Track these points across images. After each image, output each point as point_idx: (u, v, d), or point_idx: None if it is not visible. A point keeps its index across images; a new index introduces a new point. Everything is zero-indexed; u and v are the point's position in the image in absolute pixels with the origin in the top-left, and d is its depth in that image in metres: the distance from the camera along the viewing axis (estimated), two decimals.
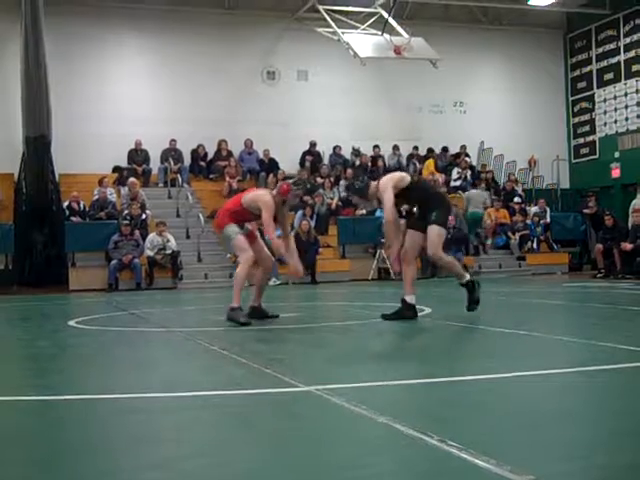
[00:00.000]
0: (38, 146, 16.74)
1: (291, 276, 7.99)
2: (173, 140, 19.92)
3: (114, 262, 15.93)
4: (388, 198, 7.25)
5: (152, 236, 16.49)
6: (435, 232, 7.34)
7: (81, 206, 17.57)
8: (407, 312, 7.42)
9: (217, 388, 4.14)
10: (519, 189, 21.63)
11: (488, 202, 20.20)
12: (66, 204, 17.62)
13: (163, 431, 3.22)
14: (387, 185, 7.32)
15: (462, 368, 4.60)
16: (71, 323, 8.31)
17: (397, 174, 7.74)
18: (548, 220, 20.20)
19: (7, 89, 18.17)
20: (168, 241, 16.43)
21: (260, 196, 7.65)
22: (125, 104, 20.03)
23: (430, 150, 22.17)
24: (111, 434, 3.23)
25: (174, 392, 4.05)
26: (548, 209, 20.68)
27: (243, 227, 7.68)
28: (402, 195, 7.43)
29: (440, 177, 20.53)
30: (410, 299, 7.45)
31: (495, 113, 23.10)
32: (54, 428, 3.43)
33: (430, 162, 21.77)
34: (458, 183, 21.55)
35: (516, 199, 20.59)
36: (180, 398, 3.90)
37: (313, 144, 21.12)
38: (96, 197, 17.69)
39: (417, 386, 4.10)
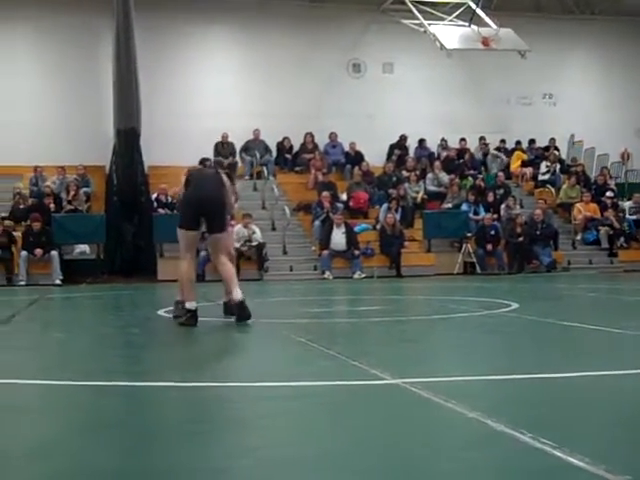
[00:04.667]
0: (128, 139, 17.18)
1: None
2: (257, 130, 20.06)
3: (203, 254, 16.15)
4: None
5: (238, 228, 16.67)
6: (178, 235, 7.26)
7: (168, 198, 17.89)
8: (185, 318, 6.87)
9: (306, 379, 4.17)
10: (612, 183, 21.03)
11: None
12: (154, 196, 17.99)
13: (253, 420, 3.26)
14: None
15: (552, 365, 4.51)
16: (160, 312, 8.50)
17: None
18: None
19: (101, 84, 18.64)
20: (254, 233, 16.60)
21: None
22: (212, 97, 20.30)
23: (518, 142, 21.83)
24: (203, 421, 3.28)
25: (264, 382, 4.09)
26: None
27: None
28: None
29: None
30: (189, 305, 6.87)
31: (586, 105, 22.51)
32: (146, 414, 3.52)
33: (519, 154, 21.48)
34: (547, 177, 21.13)
35: (608, 193, 20.02)
36: (270, 388, 3.94)
37: (404, 137, 21.01)
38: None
39: (506, 382, 4.03)
